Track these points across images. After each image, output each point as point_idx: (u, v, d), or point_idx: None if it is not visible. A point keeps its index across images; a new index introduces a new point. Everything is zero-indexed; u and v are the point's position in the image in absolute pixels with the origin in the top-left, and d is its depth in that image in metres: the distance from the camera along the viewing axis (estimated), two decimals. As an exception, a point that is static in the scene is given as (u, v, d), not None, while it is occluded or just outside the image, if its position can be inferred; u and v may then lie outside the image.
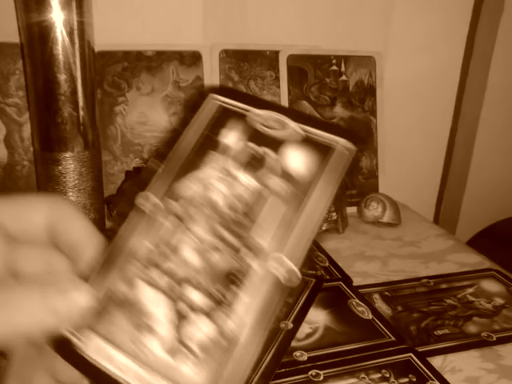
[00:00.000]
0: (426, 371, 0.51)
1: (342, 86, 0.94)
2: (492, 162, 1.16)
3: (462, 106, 1.06)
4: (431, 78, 1.04)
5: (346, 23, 0.95)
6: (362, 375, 0.50)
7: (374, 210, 0.87)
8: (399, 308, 0.63)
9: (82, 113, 0.68)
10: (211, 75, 0.87)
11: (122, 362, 0.27)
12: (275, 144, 0.30)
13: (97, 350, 0.27)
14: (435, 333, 0.58)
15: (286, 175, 0.29)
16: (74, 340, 0.27)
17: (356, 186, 0.93)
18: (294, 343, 0.54)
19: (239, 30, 0.89)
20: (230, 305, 0.27)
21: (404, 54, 1.00)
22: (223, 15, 0.88)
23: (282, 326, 0.55)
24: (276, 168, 0.30)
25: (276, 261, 0.27)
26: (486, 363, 0.54)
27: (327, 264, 0.70)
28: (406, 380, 0.50)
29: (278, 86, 0.90)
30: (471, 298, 0.65)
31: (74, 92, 0.66)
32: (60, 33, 0.64)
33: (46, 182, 0.69)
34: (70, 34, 0.64)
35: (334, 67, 0.93)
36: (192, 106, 0.32)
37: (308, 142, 0.30)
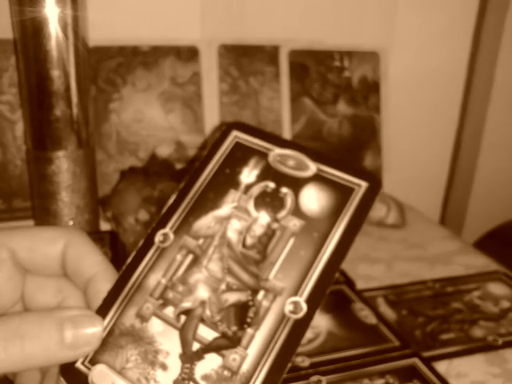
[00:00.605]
0: (431, 376, 0.50)
1: (345, 82, 0.93)
2: (499, 162, 1.15)
3: (469, 103, 1.06)
4: (437, 74, 1.03)
5: (349, 17, 0.94)
6: (366, 381, 0.49)
7: (378, 210, 0.86)
8: (404, 312, 0.62)
9: (75, 110, 0.67)
10: (209, 71, 0.86)
11: None
12: (295, 184, 0.31)
13: (108, 383, 0.28)
14: (440, 337, 0.57)
15: (306, 217, 0.30)
16: (86, 372, 0.28)
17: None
18: (294, 348, 0.53)
19: (238, 23, 0.88)
20: (239, 341, 0.28)
21: (409, 50, 1.00)
22: (222, 9, 0.87)
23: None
24: (296, 209, 0.31)
25: (293, 304, 0.28)
26: (491, 367, 0.53)
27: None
28: (411, 386, 0.49)
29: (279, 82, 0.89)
30: (477, 302, 0.64)
31: (67, 89, 0.66)
32: (53, 28, 0.63)
33: (39, 181, 0.68)
34: (64, 28, 0.64)
35: (337, 63, 0.92)
36: (213, 141, 0.33)
37: (327, 182, 0.31)
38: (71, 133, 0.67)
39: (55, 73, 0.64)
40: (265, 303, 0.28)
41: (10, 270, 0.30)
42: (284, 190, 0.31)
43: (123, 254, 0.65)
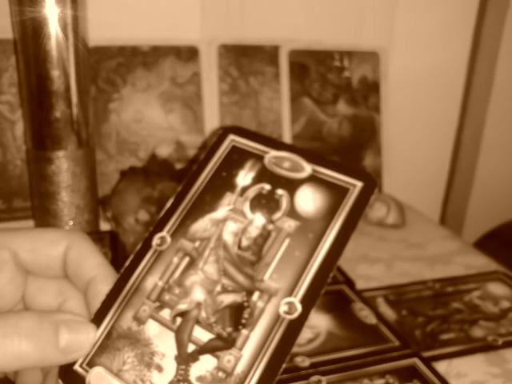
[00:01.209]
0: (431, 376, 0.50)
1: (345, 82, 0.92)
2: (500, 161, 1.15)
3: (469, 103, 1.05)
4: (437, 74, 1.03)
5: (349, 17, 0.94)
6: (366, 381, 0.49)
7: (377, 210, 0.86)
8: (404, 312, 0.62)
9: (75, 110, 0.67)
10: (209, 71, 0.86)
11: None
12: (291, 186, 0.31)
13: None
14: (440, 337, 0.57)
15: (301, 218, 0.30)
16: (84, 374, 0.28)
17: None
18: (295, 348, 0.52)
19: (238, 23, 0.88)
20: (234, 342, 0.28)
21: (409, 50, 1.00)
22: (222, 9, 0.87)
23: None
24: (291, 210, 0.31)
25: (288, 305, 0.28)
26: (491, 368, 0.53)
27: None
28: (411, 386, 0.49)
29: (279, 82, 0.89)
30: (477, 302, 0.64)
31: (67, 89, 0.65)
32: (53, 28, 0.62)
33: (39, 181, 0.68)
34: (64, 28, 0.63)
35: (337, 63, 0.92)
36: (209, 145, 0.34)
37: (322, 183, 0.31)
38: (71, 133, 0.67)
39: (55, 73, 0.64)
40: (260, 304, 0.28)
41: (12, 271, 0.31)
42: (279, 191, 0.31)
43: (123, 254, 0.65)
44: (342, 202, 0.30)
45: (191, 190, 0.33)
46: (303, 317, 0.28)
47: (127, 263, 0.31)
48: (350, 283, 0.66)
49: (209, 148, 0.34)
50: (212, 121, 0.86)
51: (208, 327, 0.28)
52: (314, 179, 0.31)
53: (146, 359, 0.28)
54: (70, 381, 0.28)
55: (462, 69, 1.05)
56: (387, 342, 0.54)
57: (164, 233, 0.31)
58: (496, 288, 0.67)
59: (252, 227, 0.31)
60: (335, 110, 0.92)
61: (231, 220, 0.31)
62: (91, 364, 0.28)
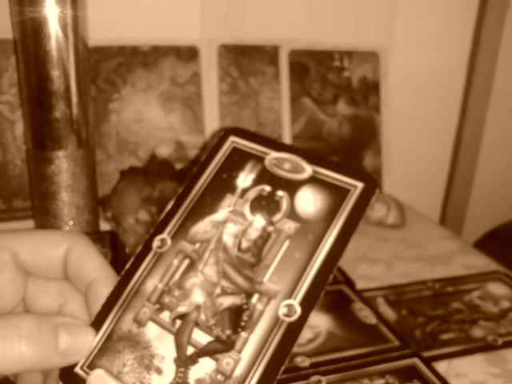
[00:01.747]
0: (431, 376, 0.50)
1: (345, 82, 0.92)
2: (500, 161, 1.15)
3: (469, 103, 1.05)
4: (437, 74, 1.03)
5: (349, 17, 0.94)
6: (366, 381, 0.49)
7: (377, 211, 0.86)
8: (404, 312, 0.62)
9: (75, 110, 0.67)
10: (209, 71, 0.86)
11: None
12: (291, 187, 0.31)
13: None
14: (440, 337, 0.57)
15: (301, 219, 0.30)
16: (84, 376, 0.28)
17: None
18: (295, 349, 0.52)
19: (238, 23, 0.88)
20: (233, 345, 0.28)
21: (409, 50, 0.99)
22: (222, 9, 0.87)
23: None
24: (291, 212, 0.31)
25: (287, 307, 0.28)
26: (491, 368, 0.53)
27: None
28: (411, 386, 0.49)
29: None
30: (477, 302, 0.64)
31: (67, 89, 0.65)
32: (53, 28, 0.62)
33: (39, 181, 0.68)
34: (64, 28, 0.63)
35: (337, 63, 0.92)
36: (210, 146, 0.34)
37: (323, 184, 0.31)
38: (71, 133, 0.67)
39: (55, 73, 0.64)
40: (259, 306, 0.28)
41: (12, 273, 0.31)
42: (280, 193, 0.31)
43: (123, 255, 0.65)
44: (342, 203, 0.30)
45: (192, 191, 0.33)
46: (302, 319, 0.27)
47: (128, 265, 0.31)
48: (350, 283, 0.66)
49: (209, 150, 0.34)
50: (212, 121, 0.86)
51: (207, 330, 0.28)
52: (314, 180, 0.31)
53: (146, 362, 0.28)
54: (70, 383, 0.28)
55: (462, 69, 1.05)
56: (387, 342, 0.54)
57: (164, 235, 0.31)
58: (496, 288, 0.67)
59: (252, 229, 0.31)
60: (335, 109, 0.92)
61: (231, 222, 0.31)
62: (92, 366, 0.28)
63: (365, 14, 0.94)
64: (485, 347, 0.56)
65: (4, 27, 0.71)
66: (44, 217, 0.69)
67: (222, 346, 0.28)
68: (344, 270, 0.69)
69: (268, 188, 0.32)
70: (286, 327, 0.27)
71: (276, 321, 0.28)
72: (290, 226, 0.30)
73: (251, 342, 0.27)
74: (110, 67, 0.81)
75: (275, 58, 0.89)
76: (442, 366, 0.53)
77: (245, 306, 0.28)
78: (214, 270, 0.30)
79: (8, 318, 0.27)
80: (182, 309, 0.29)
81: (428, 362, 0.52)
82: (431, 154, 1.09)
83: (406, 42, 0.98)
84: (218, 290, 0.29)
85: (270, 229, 0.30)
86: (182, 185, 0.33)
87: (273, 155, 0.33)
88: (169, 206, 0.32)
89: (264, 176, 0.32)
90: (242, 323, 0.28)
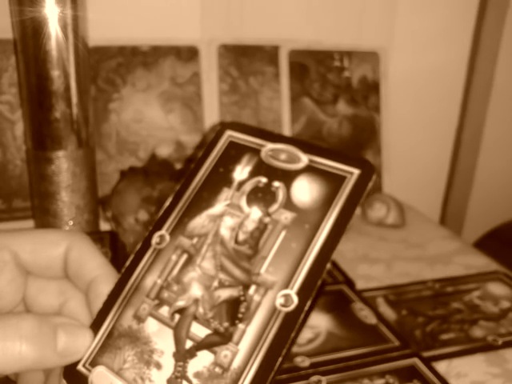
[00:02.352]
0: (431, 376, 0.50)
1: (345, 82, 0.92)
2: (499, 161, 1.15)
3: (469, 103, 1.05)
4: (437, 74, 1.03)
5: (349, 17, 0.94)
6: (366, 381, 0.49)
7: (377, 211, 0.86)
8: (404, 312, 0.62)
9: (75, 110, 0.67)
10: (209, 71, 0.85)
11: None
12: (287, 177, 0.31)
13: (105, 383, 0.28)
14: (440, 337, 0.57)
15: (298, 209, 0.30)
16: (87, 373, 0.29)
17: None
18: (295, 349, 0.53)
19: (238, 23, 0.88)
20: (231, 337, 0.28)
21: (409, 50, 1.00)
22: (222, 9, 0.87)
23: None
24: (287, 202, 0.31)
25: (284, 298, 0.28)
26: (491, 367, 0.53)
27: (329, 267, 0.70)
28: (411, 386, 0.49)
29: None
30: (477, 302, 0.64)
31: (67, 89, 0.65)
32: (53, 28, 0.62)
33: (39, 181, 0.68)
34: (64, 28, 0.63)
35: (337, 63, 0.91)
36: (207, 141, 0.34)
37: (319, 173, 0.31)
38: (71, 133, 0.67)
39: (55, 73, 0.64)
40: (256, 298, 0.28)
41: (13, 272, 0.31)
42: (276, 183, 0.31)
43: (123, 254, 0.65)
44: (338, 191, 0.30)
45: (189, 187, 0.33)
46: (299, 309, 0.27)
47: (128, 263, 0.31)
48: (350, 283, 0.66)
49: (206, 145, 0.34)
50: (212, 121, 0.86)
51: (205, 323, 0.28)
52: (310, 169, 0.31)
53: (146, 357, 0.28)
54: (73, 381, 0.29)
55: (462, 69, 1.05)
56: (387, 342, 0.54)
57: (163, 231, 0.32)
58: (496, 288, 0.67)
59: (248, 221, 0.31)
60: (335, 110, 0.92)
61: (228, 215, 0.31)
62: (93, 363, 0.29)
63: (365, 14, 0.94)
64: (485, 347, 0.56)
65: (4, 27, 0.71)
66: (44, 217, 0.69)
67: (219, 339, 0.28)
68: (344, 270, 0.69)
69: (264, 179, 0.32)
70: (283, 317, 0.27)
71: (273, 311, 0.28)
72: (286, 217, 0.30)
73: (249, 334, 0.28)
74: (110, 67, 0.81)
75: (275, 57, 0.88)
76: (441, 366, 0.53)
77: (242, 298, 0.29)
78: (212, 263, 0.30)
79: (8, 317, 0.27)
80: (180, 303, 0.29)
81: (428, 362, 0.52)
82: (431, 154, 1.09)
83: (406, 42, 0.98)
84: (215, 283, 0.29)
85: (267, 220, 0.30)
86: (180, 181, 0.33)
87: (269, 147, 0.33)
88: (167, 202, 0.33)
89: (260, 168, 0.32)
90: (240, 315, 0.28)
